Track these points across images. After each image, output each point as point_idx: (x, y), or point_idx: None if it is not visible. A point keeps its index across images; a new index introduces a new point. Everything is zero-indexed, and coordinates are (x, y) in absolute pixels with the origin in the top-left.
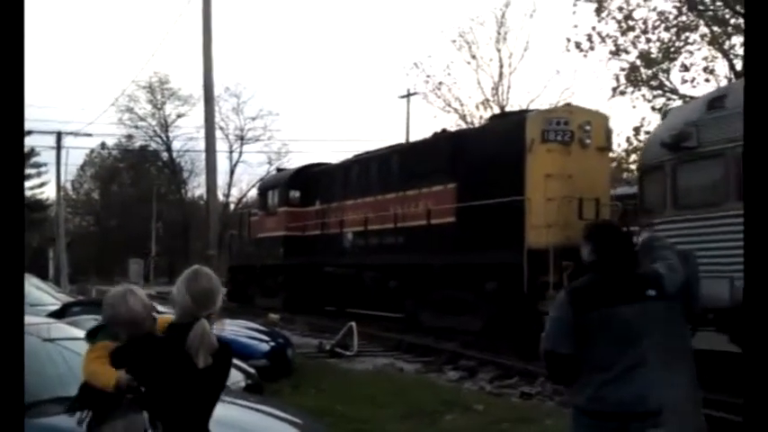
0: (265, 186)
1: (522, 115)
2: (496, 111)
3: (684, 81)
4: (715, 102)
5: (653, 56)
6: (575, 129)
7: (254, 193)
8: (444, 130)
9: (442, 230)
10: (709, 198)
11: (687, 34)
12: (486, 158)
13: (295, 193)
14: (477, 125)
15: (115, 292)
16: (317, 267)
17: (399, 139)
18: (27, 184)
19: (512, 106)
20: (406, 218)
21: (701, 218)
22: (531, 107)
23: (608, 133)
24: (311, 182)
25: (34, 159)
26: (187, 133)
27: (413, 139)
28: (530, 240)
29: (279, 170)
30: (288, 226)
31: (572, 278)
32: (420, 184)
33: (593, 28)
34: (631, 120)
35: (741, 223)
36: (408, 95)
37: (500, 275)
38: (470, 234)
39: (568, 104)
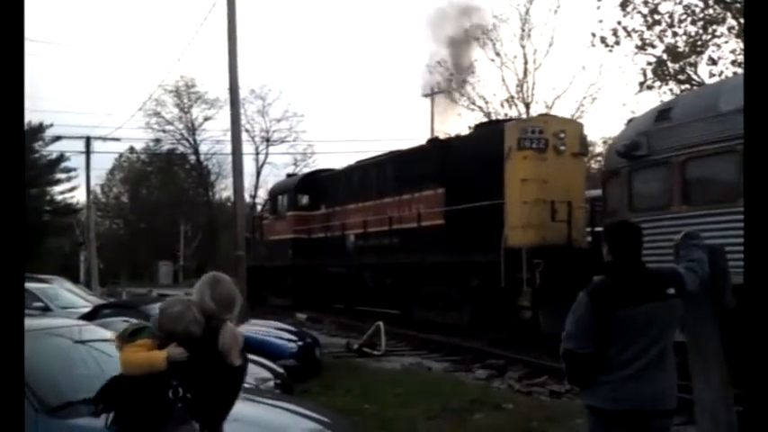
0: (275, 191)
1: (501, 124)
2: (521, 108)
3: (713, 75)
4: (663, 113)
5: (680, 50)
6: (549, 137)
7: None
8: (436, 138)
9: (431, 232)
10: (657, 202)
11: (714, 27)
12: (470, 165)
13: (303, 198)
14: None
15: (175, 308)
16: (323, 268)
17: (424, 137)
18: (57, 188)
19: (537, 103)
20: (400, 220)
21: (651, 220)
22: (558, 103)
23: (583, 140)
24: (318, 187)
25: (64, 164)
26: (214, 136)
27: None
28: (507, 241)
29: (289, 176)
30: (296, 229)
31: (543, 275)
32: (413, 188)
33: (619, 22)
34: None
35: (685, 225)
36: (432, 94)
37: (482, 273)
38: (457, 235)
39: (544, 114)
